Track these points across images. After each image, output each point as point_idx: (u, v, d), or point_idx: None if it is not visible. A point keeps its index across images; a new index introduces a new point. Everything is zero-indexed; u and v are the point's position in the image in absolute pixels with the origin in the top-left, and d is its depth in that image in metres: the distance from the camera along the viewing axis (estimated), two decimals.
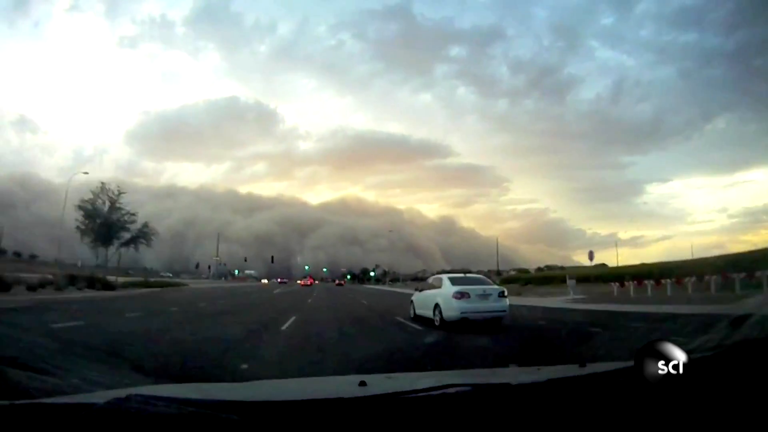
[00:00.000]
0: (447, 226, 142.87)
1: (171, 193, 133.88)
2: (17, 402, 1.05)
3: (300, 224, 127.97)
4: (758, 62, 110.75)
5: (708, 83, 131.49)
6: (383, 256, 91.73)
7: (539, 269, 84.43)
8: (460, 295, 10.60)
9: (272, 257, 79.21)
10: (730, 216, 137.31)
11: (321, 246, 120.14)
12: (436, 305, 11.10)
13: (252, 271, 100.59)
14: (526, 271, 79.42)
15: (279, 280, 77.40)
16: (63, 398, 1.31)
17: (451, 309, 10.53)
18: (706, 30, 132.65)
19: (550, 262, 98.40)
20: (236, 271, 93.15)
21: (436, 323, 10.87)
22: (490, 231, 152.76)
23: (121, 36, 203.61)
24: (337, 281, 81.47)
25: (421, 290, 13.22)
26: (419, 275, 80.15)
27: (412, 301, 13.48)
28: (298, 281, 66.99)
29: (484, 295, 10.79)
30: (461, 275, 12.93)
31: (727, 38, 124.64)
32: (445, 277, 12.30)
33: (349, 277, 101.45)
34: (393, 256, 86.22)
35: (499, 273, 69.13)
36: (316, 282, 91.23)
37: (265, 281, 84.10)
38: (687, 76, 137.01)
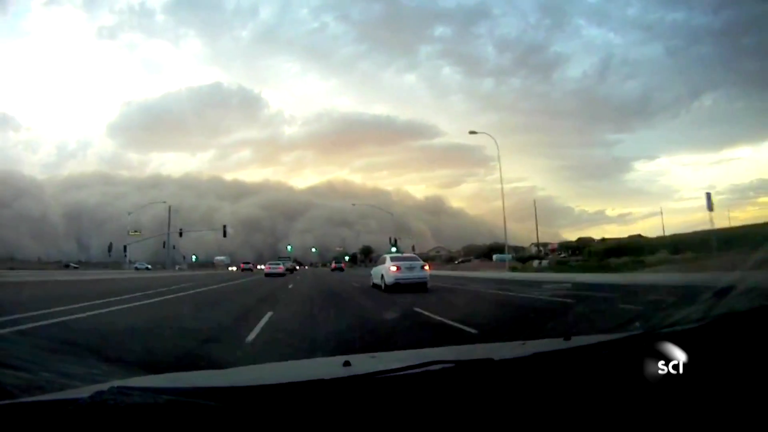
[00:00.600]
0: (436, 206, 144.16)
1: (155, 183, 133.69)
2: (1, 402, 1.06)
3: (287, 208, 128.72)
4: (745, 40, 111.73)
5: (695, 61, 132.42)
6: (373, 237, 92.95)
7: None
8: (396, 268, 15.48)
9: (224, 228, 58.04)
10: (717, 193, 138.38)
11: (309, 229, 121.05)
12: (382, 275, 16.06)
13: (223, 258, 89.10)
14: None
15: (242, 266, 61.42)
16: (46, 395, 1.32)
17: (390, 277, 15.43)
18: (694, 8, 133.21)
19: (541, 240, 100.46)
20: (194, 257, 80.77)
21: (382, 287, 15.77)
22: (478, 210, 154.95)
23: (99, 27, 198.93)
24: (334, 264, 59.55)
25: (375, 266, 18.52)
26: (431, 253, 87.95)
27: (371, 274, 18.69)
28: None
29: (411, 268, 15.74)
30: (399, 255, 20.36)
31: (715, 16, 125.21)
32: (387, 256, 17.44)
33: (347, 258, 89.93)
34: (383, 236, 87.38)
35: (520, 254, 64.57)
36: (303, 267, 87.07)
37: (233, 268, 71.99)
38: (674, 53, 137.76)
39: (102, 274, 37.20)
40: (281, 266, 41.92)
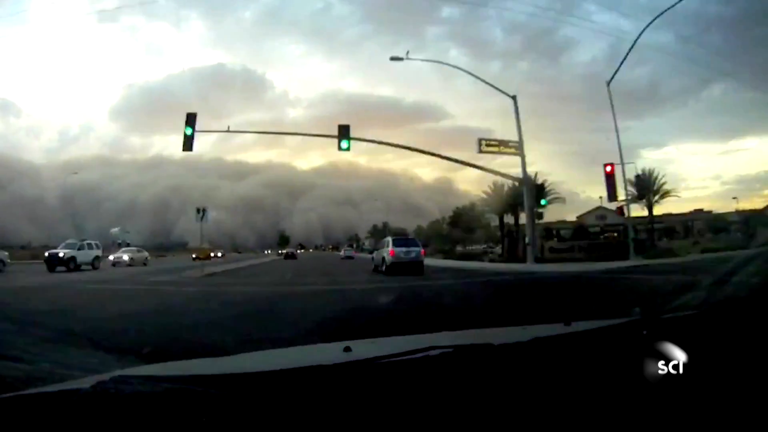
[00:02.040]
0: (444, 187, 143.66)
1: (156, 164, 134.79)
2: (3, 396, 1.07)
3: (290, 187, 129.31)
4: (758, 31, 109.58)
5: (706, 50, 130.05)
6: (381, 217, 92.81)
7: None
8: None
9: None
10: (723, 183, 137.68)
11: (313, 208, 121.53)
12: (382, 258, 20.97)
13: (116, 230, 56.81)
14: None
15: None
16: (48, 387, 1.33)
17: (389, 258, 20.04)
18: None
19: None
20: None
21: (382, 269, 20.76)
22: (483, 194, 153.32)
23: (100, 10, 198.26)
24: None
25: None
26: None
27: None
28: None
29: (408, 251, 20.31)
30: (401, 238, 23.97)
31: (728, 5, 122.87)
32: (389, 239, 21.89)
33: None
34: (391, 216, 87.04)
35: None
36: (308, 250, 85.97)
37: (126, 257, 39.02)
38: (685, 41, 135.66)
39: None
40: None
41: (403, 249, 20.28)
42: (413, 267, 19.53)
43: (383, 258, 20.56)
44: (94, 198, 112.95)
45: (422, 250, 21.29)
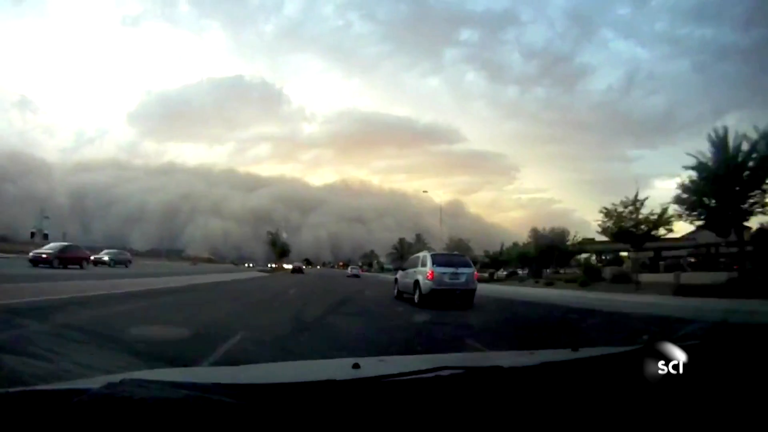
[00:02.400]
0: (455, 210, 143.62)
1: (167, 170, 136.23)
2: (12, 390, 1.07)
3: (301, 202, 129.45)
4: None
5: (721, 79, 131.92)
6: (390, 236, 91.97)
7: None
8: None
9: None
10: None
11: (322, 224, 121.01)
12: (414, 281, 14.44)
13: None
14: None
15: None
16: (57, 384, 1.34)
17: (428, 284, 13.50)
18: (723, 25, 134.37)
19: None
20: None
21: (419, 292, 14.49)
22: (494, 219, 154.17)
23: (124, 15, 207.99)
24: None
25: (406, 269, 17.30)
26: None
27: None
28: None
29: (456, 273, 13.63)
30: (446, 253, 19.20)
31: (744, 34, 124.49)
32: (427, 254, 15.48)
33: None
34: (401, 234, 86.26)
35: None
36: (316, 267, 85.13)
37: None
38: (701, 70, 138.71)
39: None
40: None
41: (449, 270, 13.59)
42: (461, 297, 13.48)
43: (416, 282, 14.05)
44: (103, 199, 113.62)
45: (475, 273, 14.80)
